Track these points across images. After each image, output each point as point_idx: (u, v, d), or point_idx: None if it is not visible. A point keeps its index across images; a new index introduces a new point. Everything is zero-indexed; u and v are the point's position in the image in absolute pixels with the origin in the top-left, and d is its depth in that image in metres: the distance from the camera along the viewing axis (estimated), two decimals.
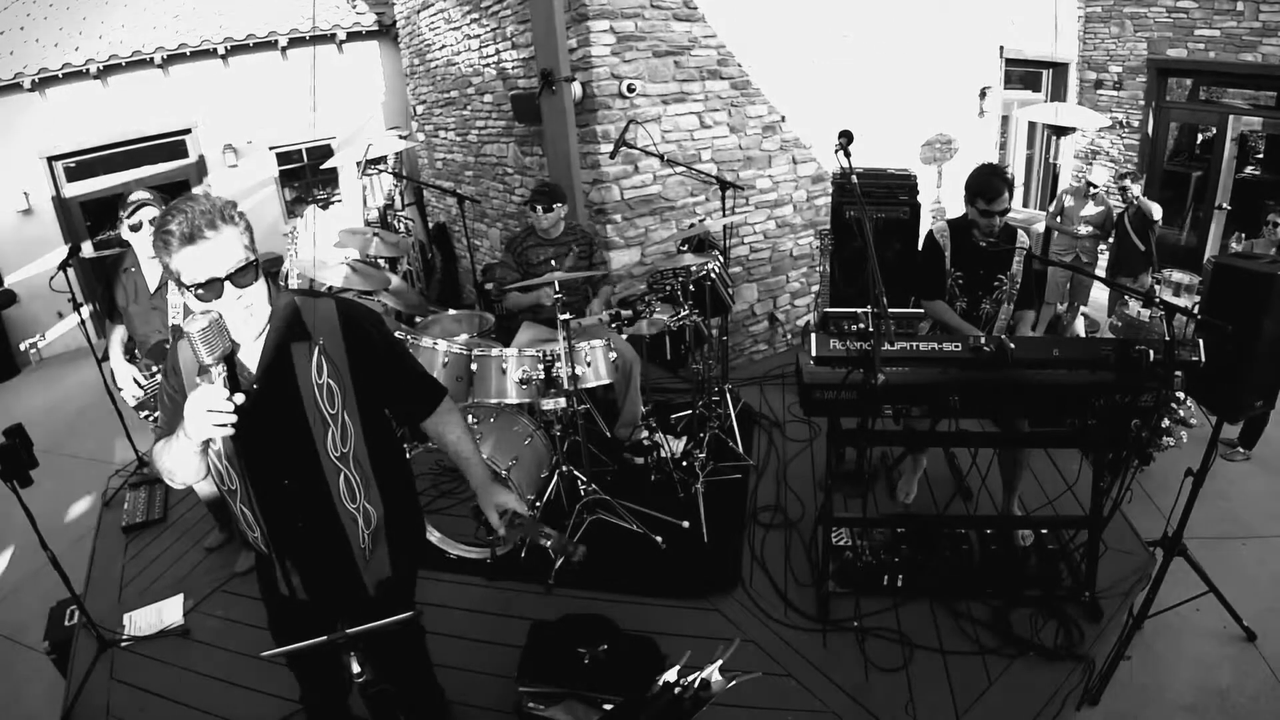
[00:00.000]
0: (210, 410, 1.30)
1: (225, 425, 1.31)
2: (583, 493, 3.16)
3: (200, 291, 1.39)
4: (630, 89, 4.56)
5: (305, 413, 1.54)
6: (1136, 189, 5.31)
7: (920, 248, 3.11)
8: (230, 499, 1.60)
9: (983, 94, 7.02)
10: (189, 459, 1.44)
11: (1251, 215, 4.82)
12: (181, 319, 2.93)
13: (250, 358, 1.54)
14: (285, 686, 2.43)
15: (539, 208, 3.65)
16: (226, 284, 1.40)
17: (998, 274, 2.98)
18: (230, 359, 1.34)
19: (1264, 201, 6.65)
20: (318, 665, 1.82)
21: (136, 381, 3.03)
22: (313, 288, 3.96)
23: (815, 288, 6.00)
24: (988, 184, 2.83)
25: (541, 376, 2.97)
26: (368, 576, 1.73)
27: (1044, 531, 2.97)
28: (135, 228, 2.82)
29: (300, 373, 1.54)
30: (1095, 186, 5.75)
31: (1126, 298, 4.90)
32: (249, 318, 1.47)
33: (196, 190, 1.46)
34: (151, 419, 3.10)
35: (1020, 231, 3.02)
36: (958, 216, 3.05)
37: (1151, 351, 2.20)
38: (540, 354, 2.99)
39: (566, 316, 2.94)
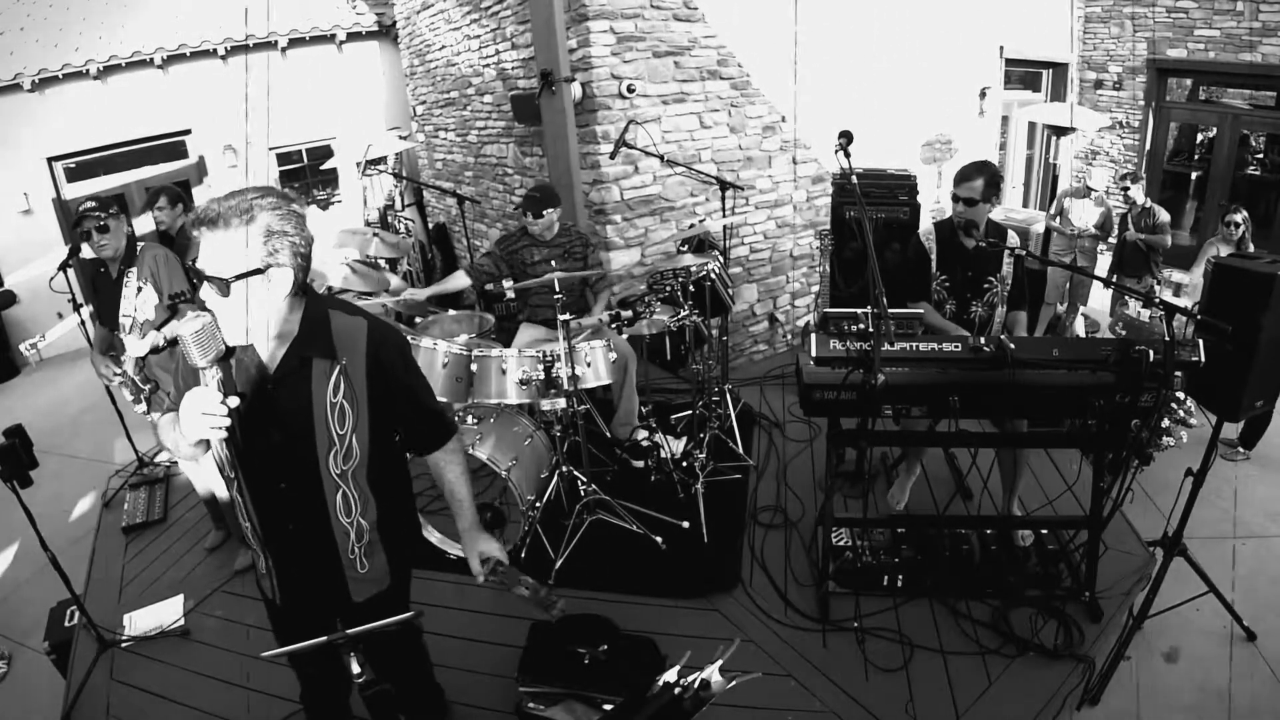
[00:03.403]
0: (205, 413, 1.30)
1: (218, 428, 1.31)
2: (583, 493, 3.16)
3: (194, 275, 1.42)
4: (630, 89, 4.56)
5: (314, 427, 1.53)
6: (1137, 191, 5.31)
7: (908, 251, 3.10)
8: (229, 485, 1.61)
9: (983, 94, 7.02)
10: (184, 447, 1.48)
11: (1252, 214, 4.85)
12: (134, 311, 3.02)
13: (270, 358, 1.53)
14: (285, 686, 2.43)
15: (528, 214, 3.65)
16: (205, 284, 1.39)
17: (987, 276, 2.96)
18: (225, 361, 1.34)
19: (1219, 202, 6.72)
20: (318, 665, 1.83)
21: (112, 373, 3.20)
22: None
23: (815, 288, 6.00)
24: (961, 170, 2.86)
25: (541, 377, 2.97)
26: (355, 587, 1.71)
27: (1044, 531, 2.97)
28: (86, 237, 2.98)
29: (316, 387, 1.52)
30: (1094, 190, 5.75)
31: (1127, 298, 4.91)
32: (239, 323, 1.43)
33: (255, 187, 1.43)
34: (142, 410, 3.25)
35: (1010, 231, 3.01)
36: (944, 219, 3.05)
37: (1151, 351, 2.20)
38: (540, 354, 2.99)
39: (566, 317, 2.94)
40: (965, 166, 2.89)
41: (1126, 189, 5.35)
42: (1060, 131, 8.19)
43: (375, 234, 4.53)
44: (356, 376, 1.55)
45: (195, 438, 1.35)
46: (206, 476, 3.25)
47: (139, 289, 3.04)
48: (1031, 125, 8.56)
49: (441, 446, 1.77)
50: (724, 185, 4.00)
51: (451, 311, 4.09)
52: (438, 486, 1.83)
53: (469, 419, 3.11)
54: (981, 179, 2.81)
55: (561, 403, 2.98)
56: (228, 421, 1.31)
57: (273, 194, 1.44)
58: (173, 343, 1.33)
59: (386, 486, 1.70)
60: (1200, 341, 2.24)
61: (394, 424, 1.67)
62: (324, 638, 1.43)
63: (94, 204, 2.97)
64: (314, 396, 1.52)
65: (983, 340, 2.28)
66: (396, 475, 1.77)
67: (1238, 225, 4.56)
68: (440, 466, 1.78)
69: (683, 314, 3.36)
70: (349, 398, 1.55)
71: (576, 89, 4.55)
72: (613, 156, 4.30)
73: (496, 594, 2.95)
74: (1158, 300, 2.43)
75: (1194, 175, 8.10)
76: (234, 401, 1.31)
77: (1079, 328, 6.03)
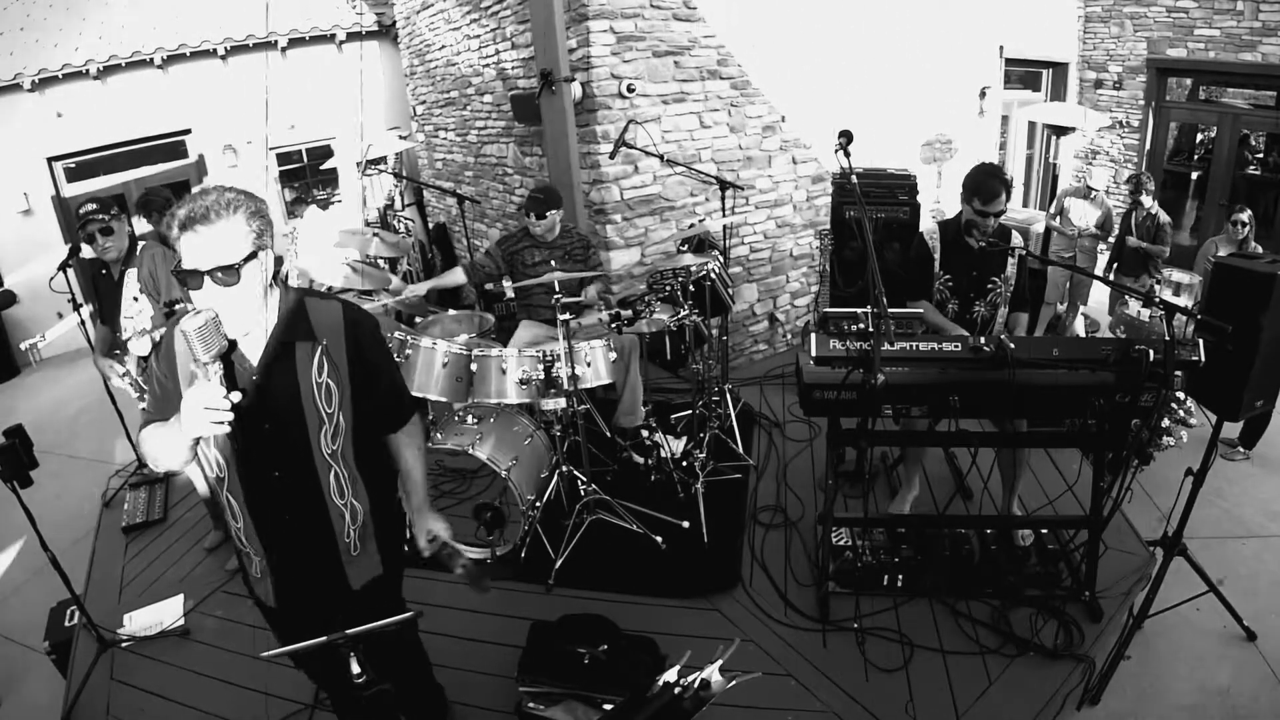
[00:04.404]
0: (207, 408, 1.31)
1: (221, 423, 1.32)
2: (583, 493, 3.16)
3: (183, 279, 1.42)
4: (630, 89, 4.56)
5: (303, 409, 1.57)
6: (1149, 201, 5.28)
7: (910, 250, 3.10)
8: (218, 487, 1.61)
9: (983, 94, 7.02)
10: (179, 449, 1.48)
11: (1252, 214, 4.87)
12: (134, 312, 3.02)
13: (253, 351, 1.56)
14: (285, 687, 2.44)
15: (532, 215, 3.66)
16: (207, 278, 1.41)
17: (990, 276, 2.96)
18: (226, 356, 1.35)
19: (1220, 202, 6.74)
20: (322, 663, 1.82)
21: (118, 373, 3.20)
22: (313, 288, 3.98)
23: (815, 288, 6.00)
24: (985, 185, 2.80)
25: (541, 376, 2.97)
26: (352, 572, 1.74)
27: (1044, 531, 2.97)
28: (89, 240, 2.98)
29: (301, 370, 1.57)
30: (1095, 190, 5.74)
31: (1127, 297, 4.90)
32: (242, 313, 1.47)
33: (213, 184, 1.48)
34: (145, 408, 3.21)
35: (1014, 232, 3.00)
36: (949, 218, 3.04)
37: (1151, 351, 2.20)
38: (540, 354, 2.99)
39: (566, 316, 2.94)
40: (987, 181, 2.80)
41: (1135, 193, 5.33)
42: (1060, 131, 8.20)
43: (375, 234, 4.54)
44: (337, 355, 1.61)
45: (198, 434, 1.37)
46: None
47: (135, 299, 3.04)
48: (1031, 125, 8.56)
49: (404, 425, 1.84)
50: (724, 185, 3.99)
51: (451, 311, 4.10)
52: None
53: (469, 419, 3.11)
54: (1005, 191, 2.79)
55: (561, 402, 2.98)
56: (230, 416, 1.33)
57: (230, 189, 1.49)
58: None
59: (372, 469, 1.75)
60: (1200, 341, 2.24)
61: (370, 402, 1.72)
62: (324, 638, 1.43)
63: (95, 206, 2.96)
64: (300, 379, 1.57)
65: (983, 340, 2.28)
66: (381, 459, 1.82)
67: (1244, 224, 4.58)
68: (400, 446, 1.85)
69: (683, 314, 3.36)
70: (333, 376, 1.60)
71: (576, 89, 4.55)
72: (612, 156, 4.30)
73: (497, 594, 2.95)
74: (1158, 300, 2.43)
75: (1194, 175, 8.09)
76: (236, 396, 1.33)
77: (1079, 327, 6.03)
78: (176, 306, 2.91)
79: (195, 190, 1.45)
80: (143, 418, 1.59)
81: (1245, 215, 4.60)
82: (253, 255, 1.46)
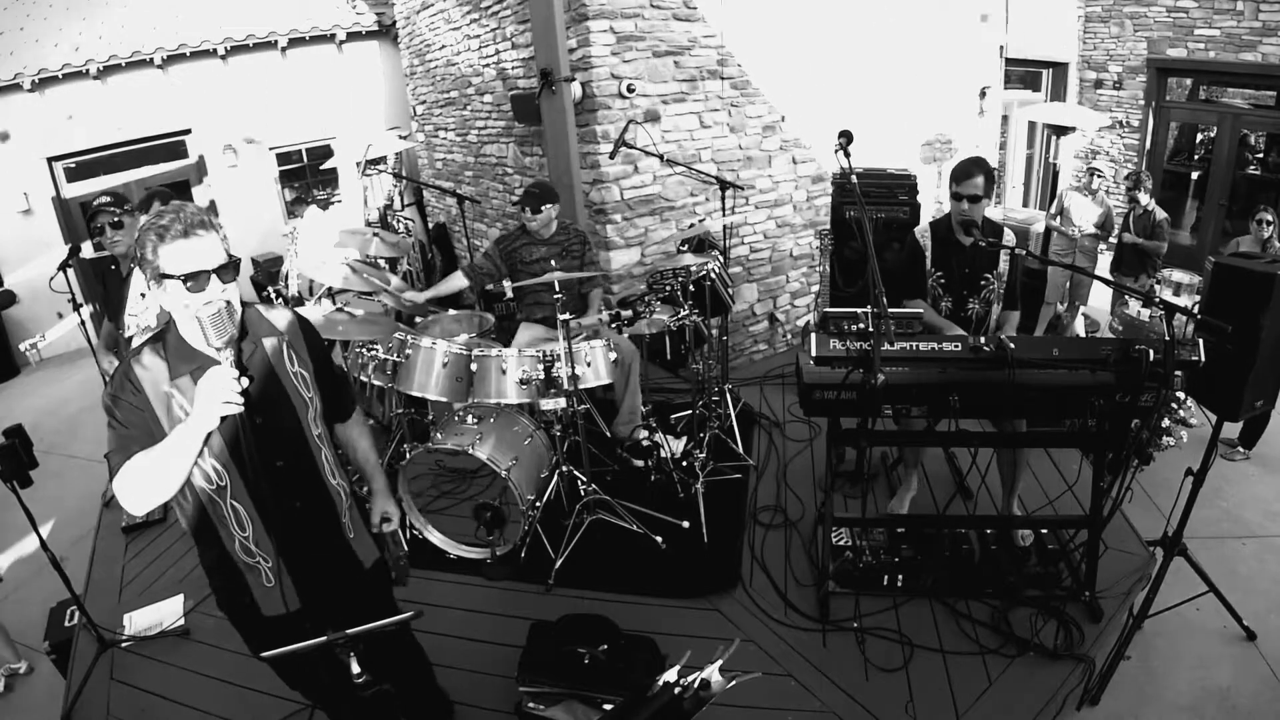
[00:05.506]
0: (224, 388, 1.39)
1: (233, 404, 1.40)
2: (583, 493, 3.16)
3: (190, 283, 1.47)
4: (630, 89, 4.56)
5: (290, 396, 1.68)
6: (1145, 198, 5.29)
7: (903, 249, 3.10)
8: (219, 498, 1.59)
9: (983, 94, 7.02)
10: (182, 461, 1.46)
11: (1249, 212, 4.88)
12: (139, 309, 3.03)
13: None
14: (285, 687, 2.43)
15: (527, 209, 3.66)
16: (213, 277, 1.49)
17: (983, 273, 2.96)
18: (237, 344, 1.44)
19: (1220, 202, 6.72)
20: (326, 665, 1.81)
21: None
22: (312, 289, 3.98)
23: (815, 288, 6.00)
24: (961, 168, 2.85)
25: (541, 377, 2.98)
26: (359, 550, 1.84)
27: (1044, 531, 2.97)
28: (99, 231, 3.00)
29: (276, 363, 1.67)
30: (1101, 174, 5.73)
31: (1127, 298, 4.91)
32: (236, 309, 1.56)
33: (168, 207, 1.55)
34: None
35: (1006, 230, 3.00)
36: (939, 217, 3.04)
37: (1151, 351, 2.20)
38: (540, 354, 2.99)
39: (566, 316, 2.94)
40: (961, 164, 2.87)
41: (1132, 190, 5.34)
42: (1060, 131, 8.20)
43: (375, 234, 4.53)
44: (299, 348, 1.73)
45: (216, 416, 1.42)
46: None
47: (142, 295, 3.04)
48: (1031, 125, 8.56)
49: (352, 415, 1.97)
50: (724, 185, 4.00)
51: (451, 311, 4.09)
52: (353, 459, 2.02)
53: (469, 419, 3.11)
54: (981, 175, 2.81)
55: (561, 402, 2.98)
56: (241, 400, 1.40)
57: (190, 205, 1.59)
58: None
59: (339, 451, 1.86)
60: (1200, 341, 2.24)
61: (330, 390, 1.81)
62: (324, 638, 1.43)
63: (109, 199, 3.00)
64: (277, 370, 1.67)
65: (983, 340, 2.28)
66: (338, 445, 1.92)
67: (1268, 224, 4.58)
68: (354, 436, 1.98)
69: (683, 314, 3.36)
70: (302, 366, 1.72)
71: (576, 89, 4.55)
72: (612, 156, 4.31)
73: (497, 594, 2.96)
74: (1158, 300, 2.42)
75: (1194, 175, 8.10)
76: (245, 381, 1.41)
77: (1079, 327, 6.03)
78: None
79: (162, 209, 1.51)
80: (113, 461, 1.49)
81: (1270, 214, 4.60)
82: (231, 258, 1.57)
